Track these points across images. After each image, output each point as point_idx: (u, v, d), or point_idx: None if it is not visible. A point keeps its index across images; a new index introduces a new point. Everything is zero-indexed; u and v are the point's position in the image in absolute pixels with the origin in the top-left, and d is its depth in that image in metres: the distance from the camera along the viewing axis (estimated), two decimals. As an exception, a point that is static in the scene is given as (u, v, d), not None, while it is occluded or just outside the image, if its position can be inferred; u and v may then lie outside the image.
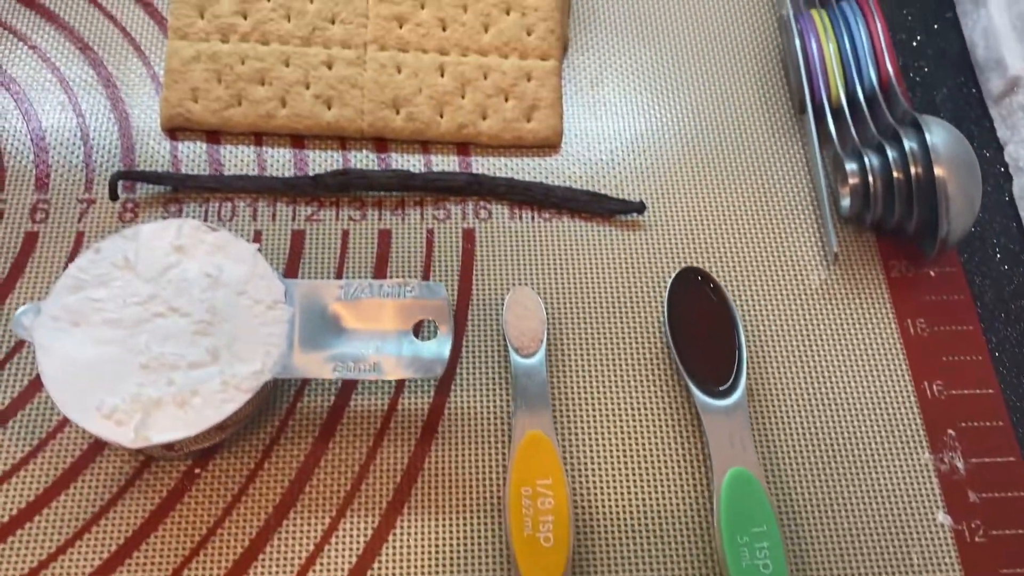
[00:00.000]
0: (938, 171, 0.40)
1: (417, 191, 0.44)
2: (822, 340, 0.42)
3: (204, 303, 0.36)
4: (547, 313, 0.41)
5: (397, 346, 0.36)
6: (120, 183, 0.43)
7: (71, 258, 0.41)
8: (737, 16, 0.51)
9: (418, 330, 0.38)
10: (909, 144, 0.42)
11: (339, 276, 0.42)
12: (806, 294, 0.43)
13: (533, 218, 0.44)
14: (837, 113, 0.46)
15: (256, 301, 0.36)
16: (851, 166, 0.43)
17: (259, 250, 0.37)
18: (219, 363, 0.35)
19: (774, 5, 0.51)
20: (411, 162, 0.45)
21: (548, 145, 0.46)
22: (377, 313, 0.37)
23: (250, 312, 0.36)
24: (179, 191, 0.43)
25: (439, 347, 0.36)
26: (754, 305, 0.43)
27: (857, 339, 0.42)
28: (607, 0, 0.50)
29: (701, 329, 0.41)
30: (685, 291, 0.41)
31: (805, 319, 0.43)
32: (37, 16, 0.47)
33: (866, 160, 0.43)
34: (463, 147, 0.46)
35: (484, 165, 0.45)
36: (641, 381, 0.41)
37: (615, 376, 0.41)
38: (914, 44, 0.52)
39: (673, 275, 0.42)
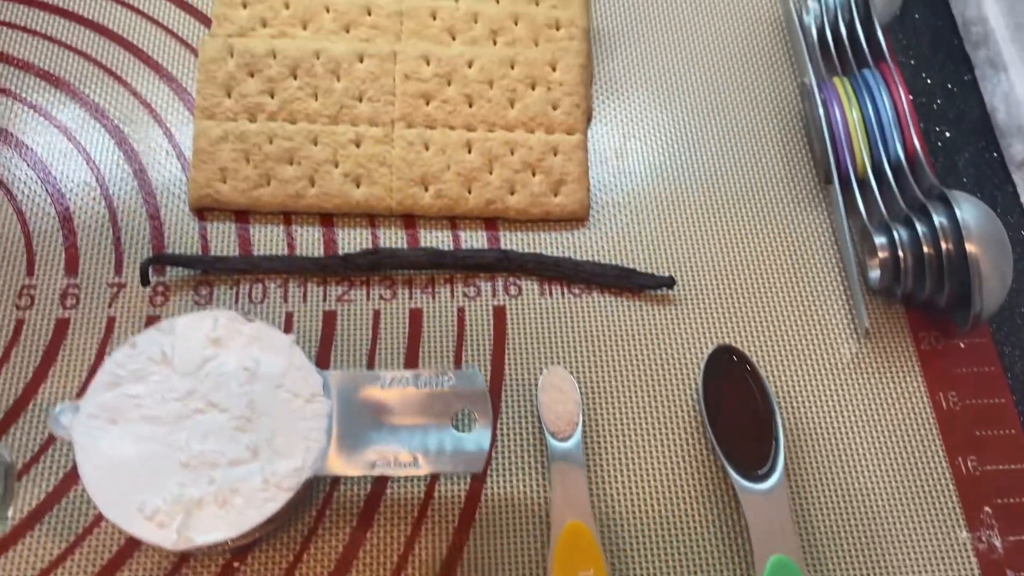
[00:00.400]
0: (970, 248, 0.41)
1: (447, 269, 0.44)
2: (855, 416, 0.42)
3: (243, 397, 0.36)
4: (581, 393, 0.41)
5: (437, 439, 0.36)
6: (151, 267, 0.43)
7: (102, 345, 0.41)
8: (759, 84, 0.51)
9: (454, 418, 0.38)
10: (939, 219, 0.42)
11: (372, 358, 0.42)
12: (838, 368, 0.43)
13: (563, 293, 0.44)
14: (862, 183, 0.46)
15: (295, 394, 0.36)
16: (880, 239, 0.44)
17: (295, 341, 0.37)
18: (259, 460, 0.35)
19: (796, 72, 0.52)
20: (439, 238, 0.45)
21: (575, 218, 0.46)
22: (415, 405, 0.37)
23: (289, 406, 0.36)
24: (210, 273, 0.43)
25: (479, 439, 0.36)
26: (786, 380, 0.43)
27: (890, 414, 0.42)
28: (629, 70, 0.51)
29: (737, 411, 0.41)
30: (719, 371, 0.41)
31: (837, 394, 0.43)
32: (63, 94, 0.47)
33: (895, 234, 0.43)
34: (491, 222, 0.46)
35: (512, 240, 0.45)
36: (677, 463, 0.40)
37: (651, 458, 0.40)
38: (934, 107, 0.52)
39: (706, 352, 0.42)
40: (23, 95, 0.47)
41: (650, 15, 0.53)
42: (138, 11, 0.50)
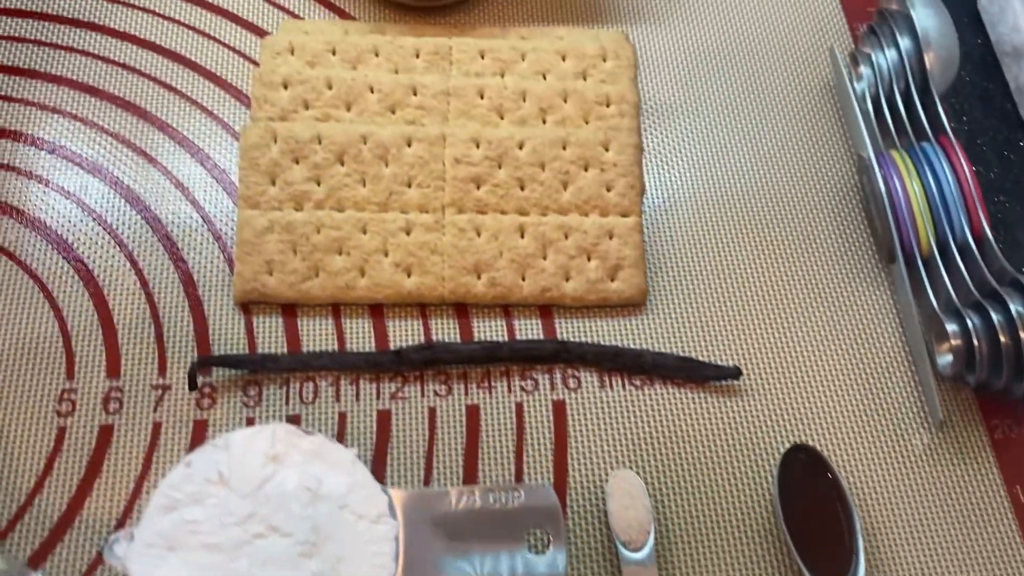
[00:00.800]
0: (1052, 342, 0.39)
1: (503, 362, 0.42)
2: (931, 510, 0.41)
3: (306, 521, 0.34)
4: (650, 496, 0.40)
5: (509, 562, 0.34)
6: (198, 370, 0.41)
7: (149, 453, 0.39)
8: (812, 155, 0.50)
9: (526, 537, 0.36)
10: (1015, 308, 0.40)
11: (429, 461, 0.40)
12: (910, 460, 0.42)
13: (624, 385, 0.42)
14: (928, 263, 0.45)
15: (360, 516, 0.34)
16: (951, 326, 0.42)
17: (358, 456, 0.35)
18: (325, 589, 0.33)
19: (849, 142, 0.50)
20: (493, 327, 0.43)
21: (633, 304, 0.44)
22: (484, 524, 0.35)
23: (354, 529, 0.34)
24: (258, 372, 0.41)
25: (553, 562, 0.34)
26: (858, 473, 0.41)
27: (967, 509, 0.41)
28: (678, 143, 0.49)
29: (814, 513, 0.39)
30: (794, 471, 0.40)
31: (912, 488, 0.41)
32: (102, 183, 0.45)
33: (968, 321, 0.42)
34: (546, 309, 0.44)
35: (568, 327, 0.44)
36: (753, 569, 0.39)
37: (726, 564, 0.39)
38: (992, 176, 0.51)
39: (776, 448, 0.41)
40: (56, 182, 0.45)
41: (696, 86, 0.51)
42: (175, 91, 0.48)
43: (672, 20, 0.54)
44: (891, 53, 0.51)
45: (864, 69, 0.51)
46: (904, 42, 0.50)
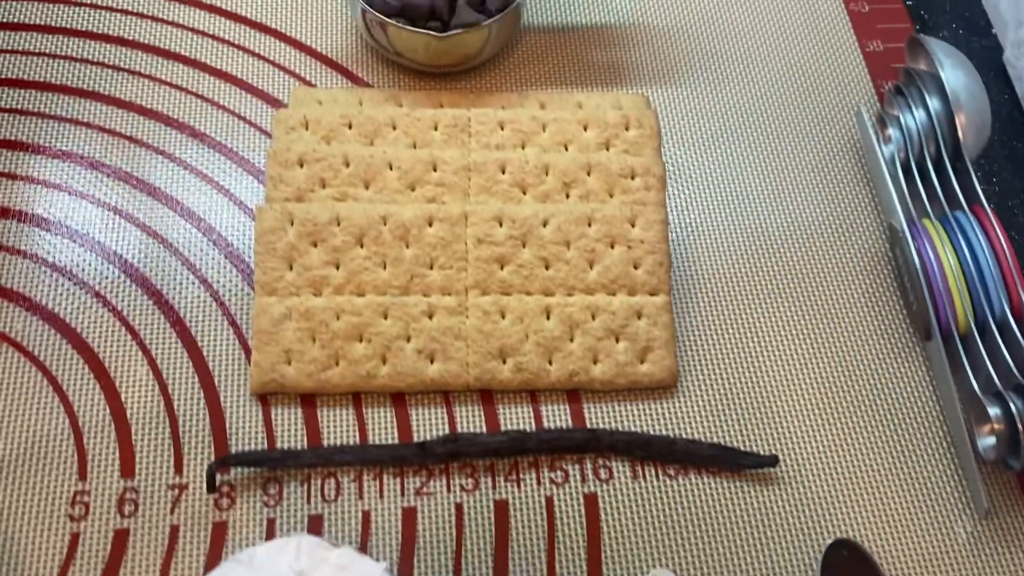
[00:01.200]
0: (1103, 432, 0.38)
1: (532, 453, 0.41)
2: (978, 604, 0.39)
3: (335, 643, 0.32)
4: (686, 595, 0.38)
5: None
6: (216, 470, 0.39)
7: (167, 560, 0.38)
8: (840, 221, 0.48)
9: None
10: (1062, 394, 0.39)
11: (458, 563, 0.38)
12: (954, 550, 0.40)
13: (657, 475, 0.41)
14: (965, 340, 0.44)
15: (391, 636, 0.33)
16: (994, 410, 0.41)
17: (387, 569, 0.34)
18: None
19: (877, 205, 0.49)
20: (519, 413, 0.42)
21: (663, 386, 0.43)
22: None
23: (385, 650, 0.33)
24: (278, 468, 0.40)
25: None
26: (900, 565, 0.40)
27: (1015, 602, 0.39)
28: (703, 215, 0.48)
29: (860, 617, 0.38)
30: (837, 567, 0.38)
31: (957, 581, 0.40)
32: (110, 264, 0.44)
33: (1011, 405, 0.40)
34: (574, 394, 0.43)
35: (597, 412, 0.42)
36: (797, 675, 0.37)
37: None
38: (1024, 241, 0.50)
39: (816, 540, 0.39)
40: (63, 264, 0.44)
41: (718, 149, 0.50)
42: (184, 164, 0.47)
43: (692, 81, 0.52)
44: (920, 114, 0.49)
45: (892, 132, 0.50)
46: (933, 103, 0.49)
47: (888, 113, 0.51)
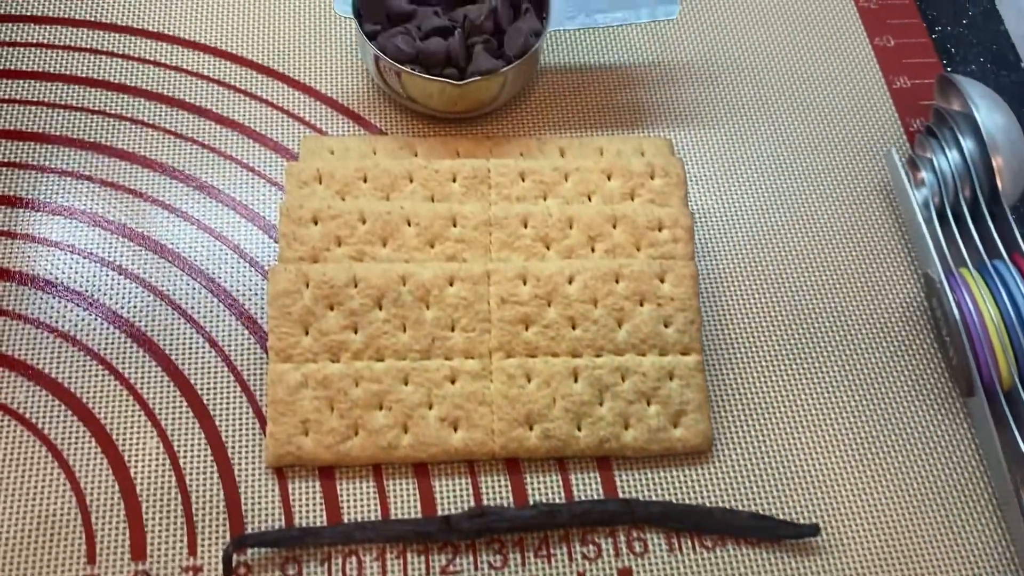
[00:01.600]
0: None
1: (563, 526, 0.39)
2: None
3: None
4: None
5: None
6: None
7: (182, 651, 0.36)
8: (876, 273, 0.47)
9: None
10: (1118, 460, 0.38)
11: (488, 646, 0.37)
12: (1006, 622, 0.39)
13: (695, 547, 0.39)
14: (1009, 396, 0.42)
15: None
16: (1045, 474, 0.39)
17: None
18: None
19: (914, 257, 0.47)
20: (547, 483, 0.40)
21: (698, 452, 0.41)
22: None
23: None
24: (297, 547, 0.38)
25: None
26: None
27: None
28: (730, 265, 0.46)
29: None
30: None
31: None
32: (114, 328, 0.42)
33: (1063, 469, 0.39)
34: (604, 461, 0.41)
35: (629, 480, 0.40)
36: None
37: None
38: (1062, 287, 0.48)
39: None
40: (66, 329, 0.42)
41: (743, 195, 0.48)
42: (189, 218, 0.45)
43: (714, 122, 0.51)
44: (953, 156, 0.48)
45: (925, 175, 0.48)
46: (967, 145, 0.47)
47: (919, 155, 0.49)
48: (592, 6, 0.48)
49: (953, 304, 0.43)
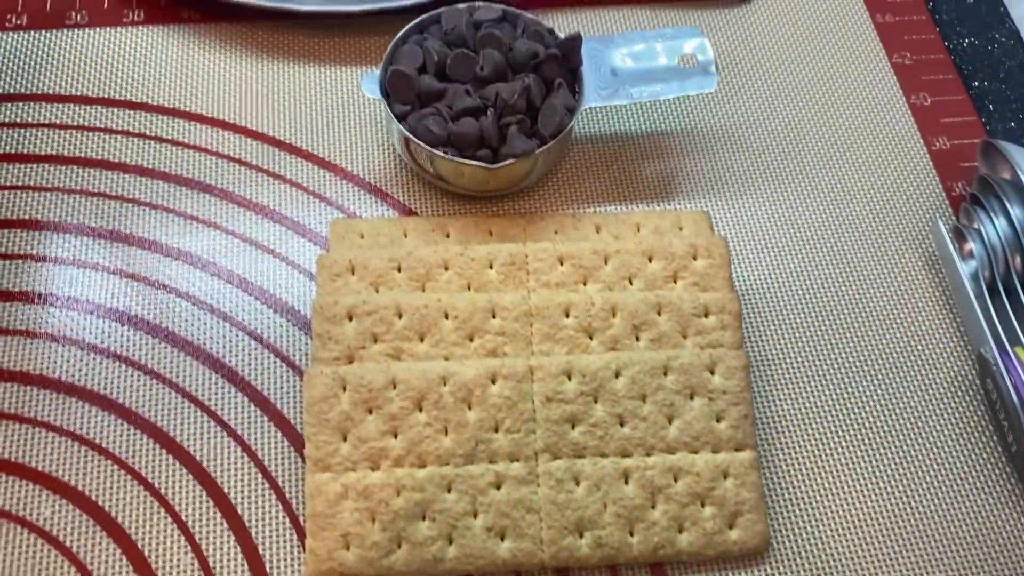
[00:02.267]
0: None
1: (618, 639, 0.37)
2: None
3: None
4: None
5: None
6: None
7: None
8: (927, 353, 0.45)
9: None
10: None
11: None
12: None
13: (754, 658, 0.38)
14: (1074, 486, 0.41)
15: None
16: (1118, 574, 0.38)
17: None
18: None
19: (963, 331, 0.46)
20: (599, 590, 0.38)
21: (755, 553, 0.39)
22: None
23: None
24: (341, 672, 0.36)
25: None
26: None
27: None
28: (774, 345, 0.45)
29: None
30: None
31: None
32: (146, 437, 0.40)
33: None
34: (658, 567, 0.39)
35: (683, 584, 0.39)
36: None
37: None
38: (1116, 360, 0.46)
39: None
40: (89, 435, 0.40)
41: (784, 269, 0.47)
42: (225, 317, 0.43)
43: (750, 191, 0.49)
44: (1002, 224, 0.46)
45: (973, 246, 0.47)
46: (1016, 213, 0.46)
47: (965, 226, 0.48)
48: (626, 80, 0.46)
49: (1011, 387, 0.42)
